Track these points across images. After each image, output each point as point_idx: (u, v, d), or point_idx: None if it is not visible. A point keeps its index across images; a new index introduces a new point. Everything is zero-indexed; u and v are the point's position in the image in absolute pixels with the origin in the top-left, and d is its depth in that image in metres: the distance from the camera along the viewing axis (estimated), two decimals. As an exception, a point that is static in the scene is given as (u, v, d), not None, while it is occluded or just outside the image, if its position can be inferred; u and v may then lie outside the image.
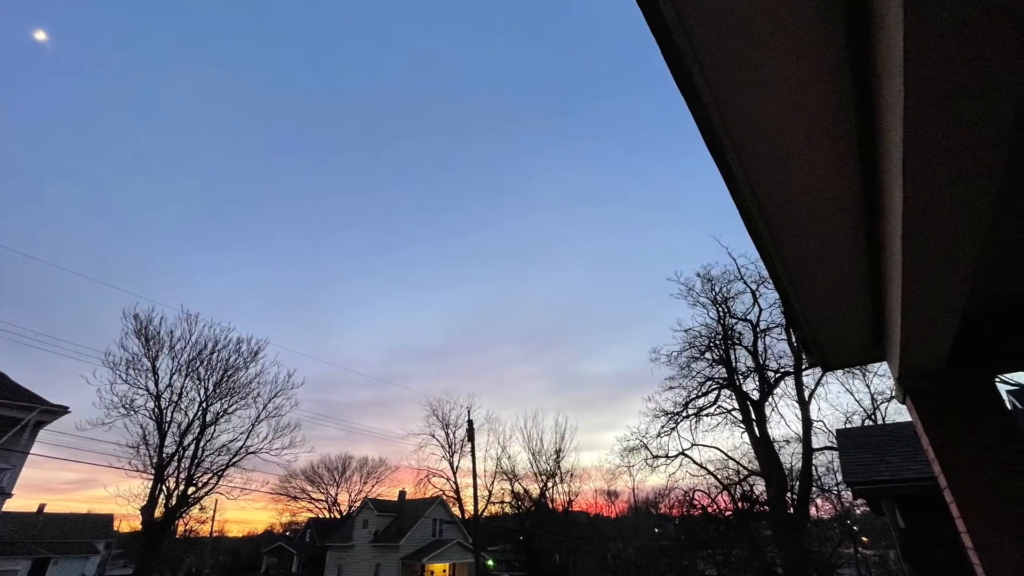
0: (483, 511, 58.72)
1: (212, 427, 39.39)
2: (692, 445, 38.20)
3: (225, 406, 40.29)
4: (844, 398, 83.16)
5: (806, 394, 34.47)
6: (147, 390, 37.54)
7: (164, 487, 36.43)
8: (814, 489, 35.56)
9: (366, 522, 60.79)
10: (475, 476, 38.41)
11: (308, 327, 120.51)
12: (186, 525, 71.36)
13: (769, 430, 35.12)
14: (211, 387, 39.75)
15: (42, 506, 56.74)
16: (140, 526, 37.38)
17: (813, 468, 34.39)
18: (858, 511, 47.36)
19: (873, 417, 39.58)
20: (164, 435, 37.06)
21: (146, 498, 35.94)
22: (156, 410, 37.29)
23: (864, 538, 54.44)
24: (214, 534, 77.06)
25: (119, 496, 39.35)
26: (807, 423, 33.86)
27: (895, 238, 2.75)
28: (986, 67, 1.77)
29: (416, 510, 59.52)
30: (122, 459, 35.83)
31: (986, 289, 4.55)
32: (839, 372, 36.07)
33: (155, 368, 38.11)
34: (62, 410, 22.95)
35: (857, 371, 37.46)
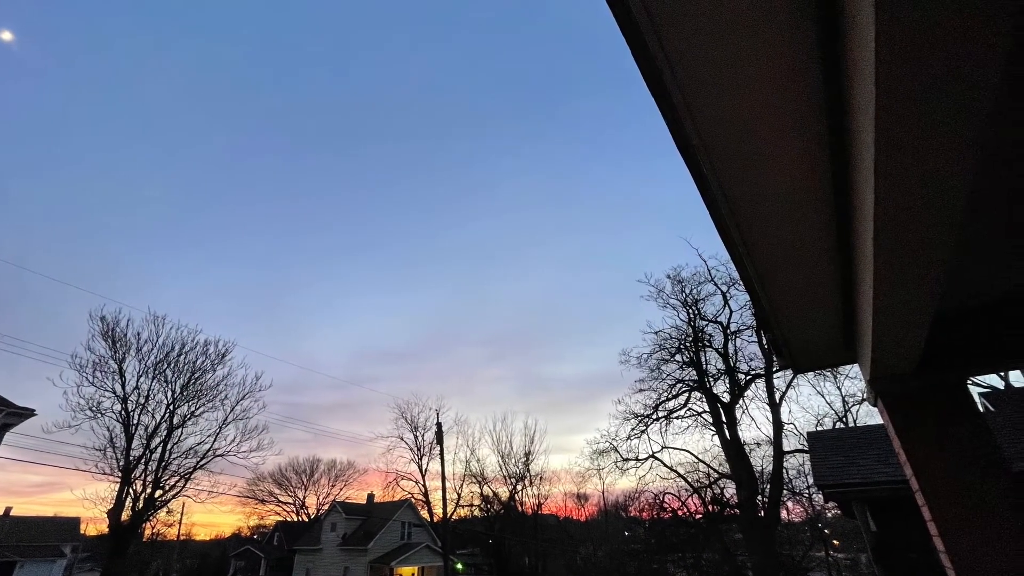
0: (452, 514, 58.59)
1: (179, 430, 38.99)
2: (662, 448, 38.40)
3: (192, 408, 39.92)
4: (815, 400, 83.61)
5: (777, 396, 34.77)
6: (114, 392, 37.11)
7: (131, 490, 36.01)
8: (785, 492, 35.83)
9: (334, 525, 60.63)
10: (444, 479, 38.35)
11: (276, 330, 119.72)
12: (153, 528, 70.85)
13: (740, 433, 35.40)
14: (178, 389, 39.34)
15: (8, 509, 55.85)
16: (107, 529, 36.92)
17: (784, 471, 34.67)
18: (829, 514, 47.73)
19: (844, 420, 39.93)
20: (131, 438, 36.63)
21: (113, 501, 35.53)
22: (123, 412, 36.85)
23: (835, 541, 54.74)
24: (181, 537, 76.46)
25: (86, 499, 39.03)
26: (778, 425, 34.13)
27: (867, 240, 2.73)
28: (958, 68, 1.74)
29: (385, 513, 59.42)
30: (89, 462, 35.47)
31: (958, 290, 4.57)
32: (810, 374, 36.38)
33: (122, 370, 37.66)
34: (28, 412, 22.58)
35: (828, 373, 37.85)
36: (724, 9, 2.01)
